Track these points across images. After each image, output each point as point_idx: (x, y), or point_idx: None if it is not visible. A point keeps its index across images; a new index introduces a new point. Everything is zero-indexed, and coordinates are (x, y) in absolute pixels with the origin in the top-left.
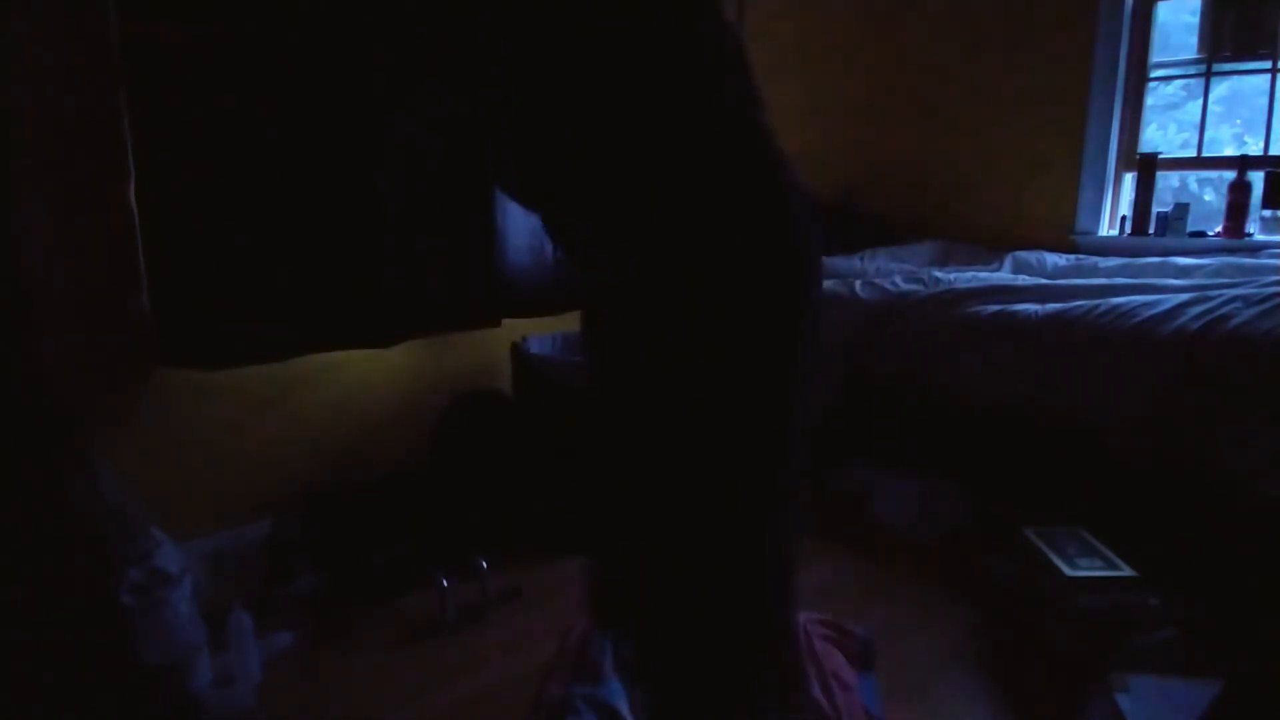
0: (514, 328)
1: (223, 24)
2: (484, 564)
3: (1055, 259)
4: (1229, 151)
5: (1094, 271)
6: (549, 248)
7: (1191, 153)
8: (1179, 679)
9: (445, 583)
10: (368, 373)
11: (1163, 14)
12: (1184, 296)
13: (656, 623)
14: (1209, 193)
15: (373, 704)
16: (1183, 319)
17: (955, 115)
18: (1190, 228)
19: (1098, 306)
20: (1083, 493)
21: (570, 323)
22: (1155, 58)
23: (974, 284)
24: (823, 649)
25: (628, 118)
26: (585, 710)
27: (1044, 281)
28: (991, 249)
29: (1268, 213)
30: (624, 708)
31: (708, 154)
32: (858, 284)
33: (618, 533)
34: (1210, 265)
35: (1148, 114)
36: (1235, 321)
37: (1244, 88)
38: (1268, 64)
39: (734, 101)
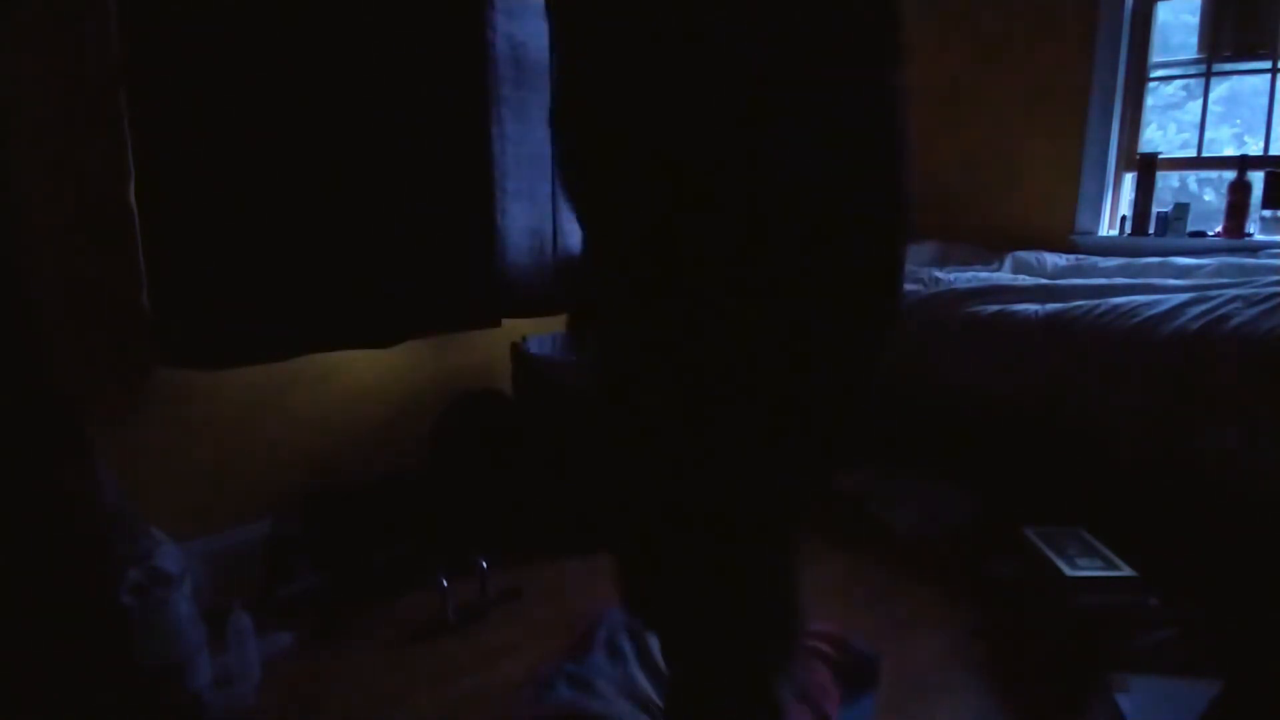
0: (514, 328)
1: (223, 23)
2: (484, 564)
3: (1055, 259)
4: (1229, 151)
5: (1094, 271)
6: (549, 248)
7: (1191, 153)
8: (1179, 679)
9: (445, 583)
10: (368, 373)
11: (1163, 14)
12: (1184, 296)
13: (668, 616)
14: (1209, 193)
15: (373, 704)
16: (1183, 319)
17: (955, 115)
18: (1190, 228)
19: (1098, 306)
20: (1083, 493)
21: None
22: (1155, 58)
23: (974, 284)
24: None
25: None
26: (561, 684)
27: (1044, 281)
28: (991, 249)
29: (1268, 213)
30: (600, 681)
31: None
32: None
33: (624, 531)
34: (1210, 265)
35: (1148, 114)
36: (1235, 321)
37: (1244, 88)
38: (1268, 64)
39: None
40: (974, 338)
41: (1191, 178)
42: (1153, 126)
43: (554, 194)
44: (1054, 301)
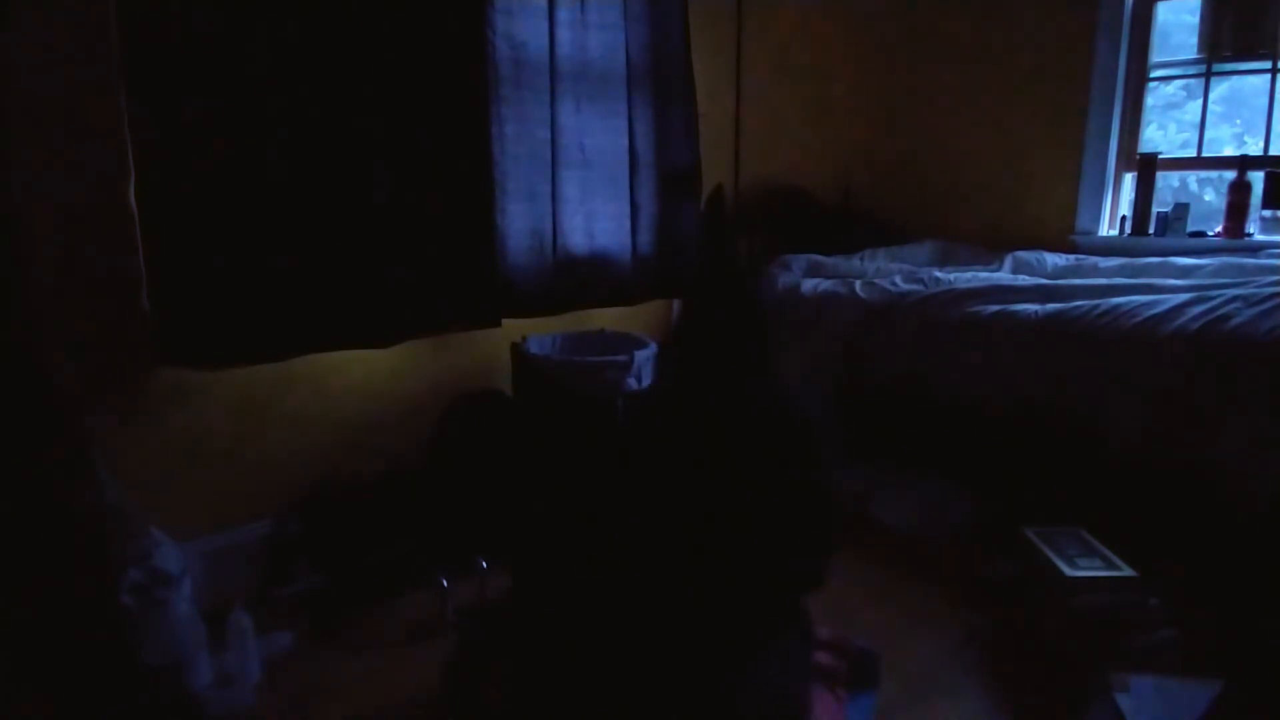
0: (514, 328)
1: (222, 23)
2: (484, 564)
3: (1055, 259)
4: (1229, 151)
5: (1094, 271)
6: (549, 248)
7: (1191, 153)
8: (1179, 679)
9: (445, 583)
10: (368, 373)
11: (1163, 14)
12: (1184, 296)
13: None
14: (1209, 193)
15: (373, 704)
16: (1183, 319)
17: (955, 116)
18: (1190, 228)
19: (1098, 306)
20: (1083, 493)
21: (570, 323)
22: (1155, 58)
23: (974, 284)
24: None
25: None
26: None
27: (1044, 281)
28: (991, 249)
29: (1268, 213)
30: None
31: None
32: (858, 284)
33: None
34: (1210, 265)
35: (1148, 114)
36: (1235, 321)
37: (1244, 88)
38: (1268, 64)
39: None
40: (974, 338)
41: (1191, 178)
42: (1153, 126)
43: (554, 194)
44: (1054, 302)
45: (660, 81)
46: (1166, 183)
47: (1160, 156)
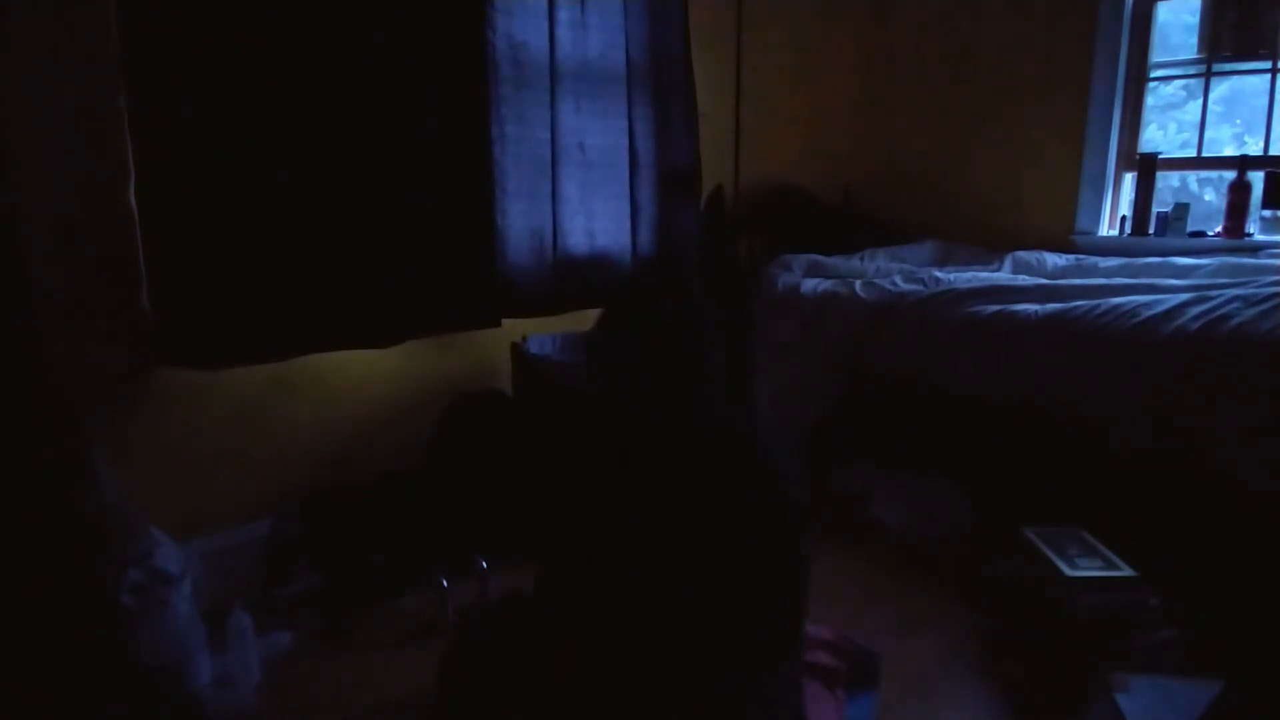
0: (514, 328)
1: (222, 23)
2: (484, 564)
3: (1055, 259)
4: (1229, 151)
5: (1094, 271)
6: (549, 248)
7: (1191, 153)
8: (1179, 679)
9: (445, 583)
10: (368, 373)
11: (1163, 14)
12: (1184, 296)
13: None
14: (1209, 193)
15: (373, 704)
16: (1183, 319)
17: (955, 116)
18: (1190, 228)
19: (1098, 306)
20: (1083, 493)
21: (570, 323)
22: (1155, 58)
23: (974, 284)
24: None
25: None
26: None
27: (1044, 281)
28: (991, 249)
29: (1268, 213)
30: None
31: None
32: (858, 284)
33: None
34: (1210, 265)
35: (1148, 114)
36: (1235, 321)
37: (1244, 88)
38: (1268, 64)
39: None
40: (974, 338)
41: (1191, 178)
42: (1153, 126)
43: (554, 194)
44: (1054, 301)
45: (660, 81)
46: (1166, 183)
47: (1160, 156)
